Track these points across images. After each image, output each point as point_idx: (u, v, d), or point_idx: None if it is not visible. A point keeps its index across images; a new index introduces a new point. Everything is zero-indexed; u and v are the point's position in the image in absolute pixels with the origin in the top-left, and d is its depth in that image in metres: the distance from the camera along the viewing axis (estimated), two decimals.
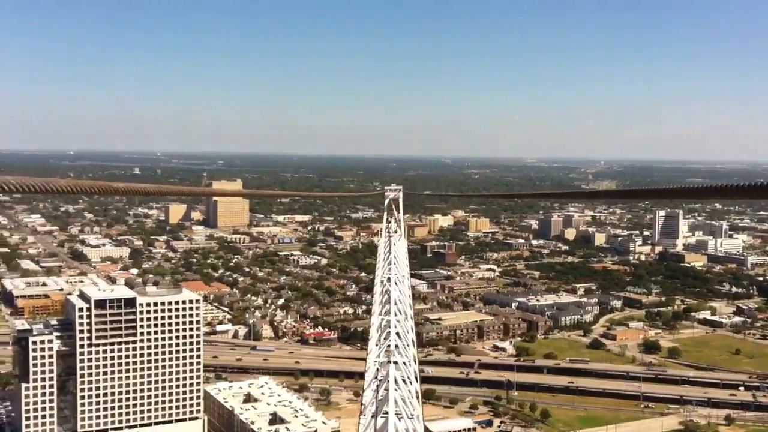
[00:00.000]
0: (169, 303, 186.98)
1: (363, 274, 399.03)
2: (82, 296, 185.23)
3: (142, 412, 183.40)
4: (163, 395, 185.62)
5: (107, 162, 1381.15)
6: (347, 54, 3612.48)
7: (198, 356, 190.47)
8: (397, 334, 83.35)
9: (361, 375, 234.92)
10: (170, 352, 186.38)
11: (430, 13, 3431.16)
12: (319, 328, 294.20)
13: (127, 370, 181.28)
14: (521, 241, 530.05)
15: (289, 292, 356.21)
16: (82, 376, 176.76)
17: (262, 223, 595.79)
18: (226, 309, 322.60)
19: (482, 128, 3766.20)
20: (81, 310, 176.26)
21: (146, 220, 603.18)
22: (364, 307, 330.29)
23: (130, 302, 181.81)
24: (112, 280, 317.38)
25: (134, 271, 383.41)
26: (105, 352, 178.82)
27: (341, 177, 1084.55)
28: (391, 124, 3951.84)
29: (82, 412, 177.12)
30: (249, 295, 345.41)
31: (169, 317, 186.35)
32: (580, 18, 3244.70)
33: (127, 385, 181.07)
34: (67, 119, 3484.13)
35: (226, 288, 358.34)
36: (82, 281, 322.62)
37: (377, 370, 78.43)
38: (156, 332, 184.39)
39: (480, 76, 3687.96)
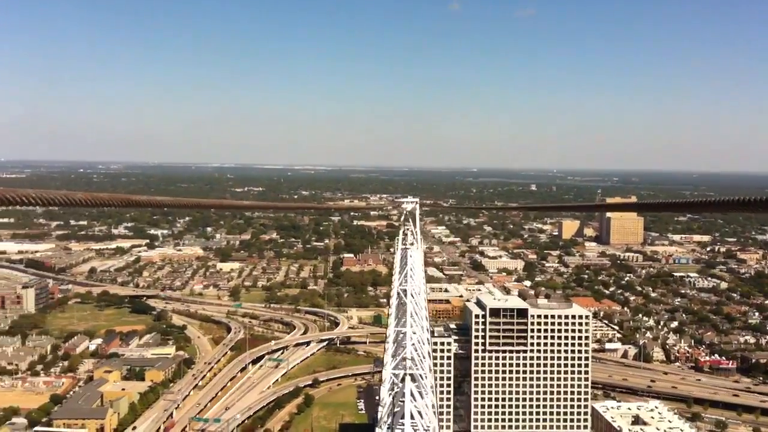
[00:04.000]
0: (560, 316, 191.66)
1: None
2: (479, 304, 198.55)
3: (530, 420, 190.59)
4: (551, 406, 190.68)
5: (506, 179, 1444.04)
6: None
7: (586, 372, 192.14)
8: (413, 346, 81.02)
9: (763, 411, 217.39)
10: (559, 365, 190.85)
11: None
12: (716, 356, 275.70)
13: (517, 378, 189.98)
14: None
15: (684, 315, 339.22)
16: (476, 379, 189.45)
17: (657, 242, 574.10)
18: (616, 327, 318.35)
19: None
20: (477, 316, 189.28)
21: (540, 234, 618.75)
22: None
23: (522, 313, 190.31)
24: (507, 291, 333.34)
25: (527, 283, 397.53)
26: (497, 358, 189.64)
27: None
28: None
29: (475, 413, 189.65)
30: (640, 315, 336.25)
31: (559, 330, 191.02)
32: None
33: (517, 392, 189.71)
34: (472, 140, 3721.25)
35: (616, 306, 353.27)
36: (479, 290, 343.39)
37: (393, 382, 76.33)
38: (545, 344, 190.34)
39: None
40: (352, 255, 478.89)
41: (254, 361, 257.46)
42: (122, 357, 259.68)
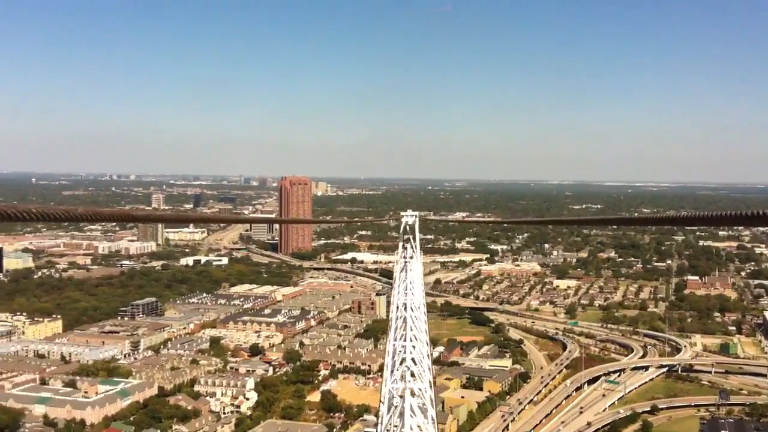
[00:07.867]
0: None
1: None
2: None
3: None
4: None
5: None
6: None
7: None
8: (413, 360, 79.00)
9: None
10: None
11: None
12: None
13: None
14: None
15: None
16: None
17: None
18: None
19: None
20: None
21: None
22: None
23: None
24: None
25: None
26: None
27: None
28: None
29: None
30: None
31: None
32: None
33: None
34: None
35: None
36: None
37: (392, 397, 72.59)
38: None
39: None
40: (696, 277, 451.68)
41: (590, 382, 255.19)
42: (462, 366, 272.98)
